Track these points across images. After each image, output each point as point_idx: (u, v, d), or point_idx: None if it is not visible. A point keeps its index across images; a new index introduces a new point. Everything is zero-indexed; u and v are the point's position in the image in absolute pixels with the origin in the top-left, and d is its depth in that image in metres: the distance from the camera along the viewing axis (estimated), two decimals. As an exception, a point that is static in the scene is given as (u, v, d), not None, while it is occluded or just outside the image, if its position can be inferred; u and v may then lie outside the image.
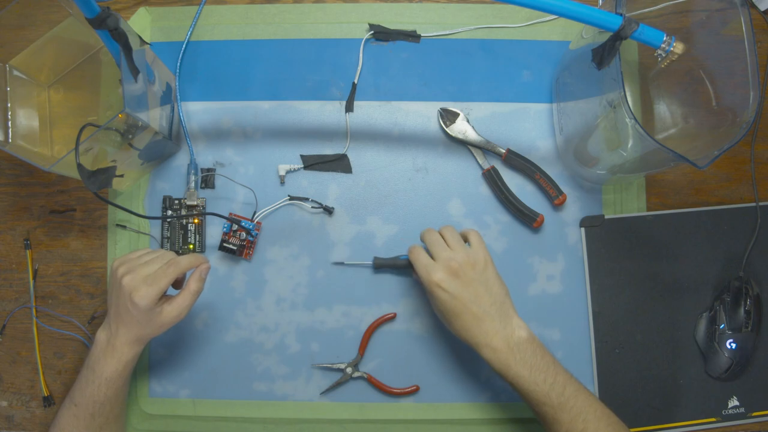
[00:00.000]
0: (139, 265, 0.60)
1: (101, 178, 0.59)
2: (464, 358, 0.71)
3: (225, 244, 0.70)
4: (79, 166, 0.54)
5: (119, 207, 0.61)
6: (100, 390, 0.60)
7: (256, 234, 0.71)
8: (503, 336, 0.60)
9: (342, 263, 0.72)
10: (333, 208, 0.72)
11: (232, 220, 0.70)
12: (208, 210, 0.72)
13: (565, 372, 0.60)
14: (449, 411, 0.70)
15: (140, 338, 0.61)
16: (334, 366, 0.70)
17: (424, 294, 0.71)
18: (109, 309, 0.62)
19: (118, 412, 0.63)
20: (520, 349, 0.60)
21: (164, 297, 0.61)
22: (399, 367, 0.71)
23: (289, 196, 0.72)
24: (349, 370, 0.70)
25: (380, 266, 0.71)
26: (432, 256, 0.63)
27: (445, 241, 0.63)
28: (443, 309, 0.61)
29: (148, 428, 0.70)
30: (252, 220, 0.70)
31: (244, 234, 0.70)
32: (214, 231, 0.72)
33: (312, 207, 0.72)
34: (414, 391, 0.70)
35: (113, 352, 0.60)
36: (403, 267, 0.70)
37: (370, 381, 0.70)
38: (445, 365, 0.71)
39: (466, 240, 0.65)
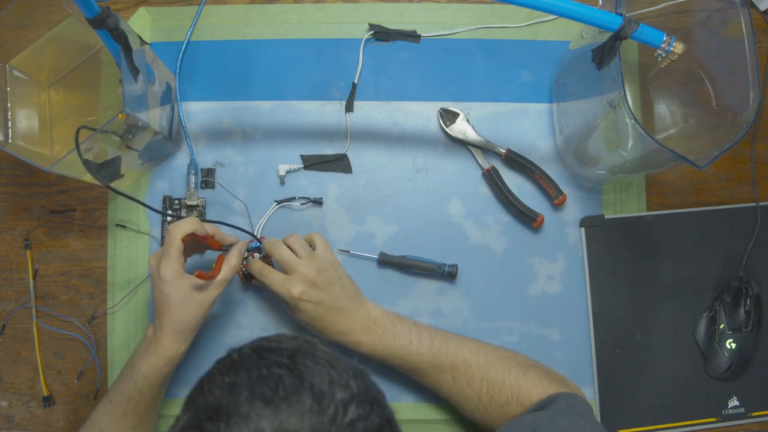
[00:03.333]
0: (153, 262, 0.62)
1: (109, 170, 0.59)
2: (464, 358, 0.71)
3: (247, 273, 0.69)
4: (86, 162, 0.54)
5: (133, 199, 0.59)
6: (137, 386, 0.59)
7: None
8: (362, 320, 0.64)
9: (348, 251, 0.72)
10: (321, 198, 0.72)
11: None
12: (208, 212, 0.72)
13: (429, 328, 0.64)
14: (449, 411, 0.70)
15: (182, 328, 0.60)
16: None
17: (424, 294, 0.71)
18: (155, 310, 0.62)
19: (153, 414, 0.62)
20: (379, 323, 0.64)
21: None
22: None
23: (275, 201, 0.72)
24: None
25: (385, 262, 0.71)
26: (285, 270, 0.63)
27: (293, 250, 0.64)
28: (309, 317, 0.63)
29: (148, 428, 0.70)
30: (256, 238, 0.69)
31: (257, 254, 0.70)
32: (214, 231, 0.72)
33: (301, 204, 0.72)
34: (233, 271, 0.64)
35: (156, 345, 0.60)
36: (409, 267, 0.70)
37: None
38: (445, 365, 0.71)
39: (311, 244, 0.66)
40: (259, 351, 0.38)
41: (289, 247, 0.65)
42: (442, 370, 0.62)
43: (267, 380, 0.34)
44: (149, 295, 0.72)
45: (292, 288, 0.62)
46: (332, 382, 0.35)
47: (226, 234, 0.65)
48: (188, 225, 0.61)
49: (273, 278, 0.63)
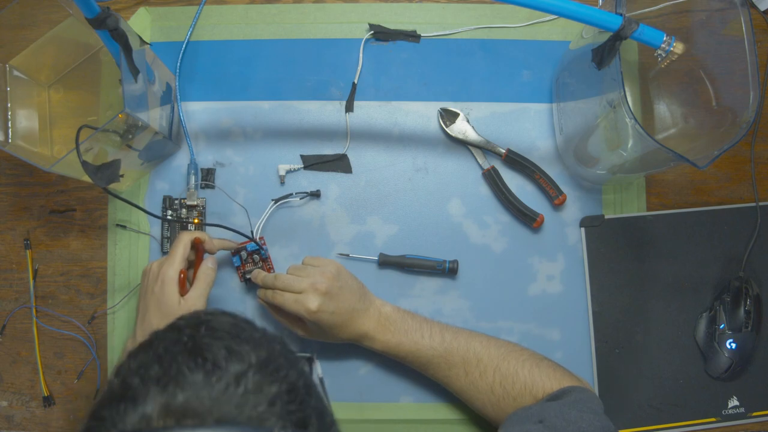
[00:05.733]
0: (159, 267, 0.63)
1: (108, 172, 0.59)
2: (464, 358, 0.71)
3: (248, 276, 0.69)
4: (84, 164, 0.54)
5: (129, 203, 0.60)
6: None
7: (266, 248, 0.71)
8: (374, 319, 0.64)
9: (347, 255, 0.72)
10: (319, 190, 0.72)
11: (237, 250, 0.70)
12: (208, 211, 0.72)
13: (439, 323, 0.65)
14: (449, 411, 0.70)
15: None
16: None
17: (424, 294, 0.71)
18: (136, 325, 0.62)
19: None
20: (390, 321, 0.64)
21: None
22: (399, 367, 0.71)
23: (272, 200, 0.72)
24: None
25: (385, 263, 0.71)
26: (293, 291, 0.63)
27: (294, 273, 0.64)
28: (327, 327, 0.63)
29: (148, 428, 0.70)
30: (254, 240, 0.69)
31: (256, 255, 0.70)
32: (215, 231, 0.72)
33: (300, 199, 0.72)
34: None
35: None
36: (410, 266, 0.70)
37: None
38: (445, 365, 0.71)
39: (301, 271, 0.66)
40: (166, 331, 0.37)
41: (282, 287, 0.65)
42: (454, 364, 0.63)
43: (162, 360, 0.33)
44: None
45: (309, 303, 0.61)
46: (229, 354, 0.34)
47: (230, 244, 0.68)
48: (199, 233, 0.65)
49: (285, 297, 0.63)
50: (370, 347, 0.65)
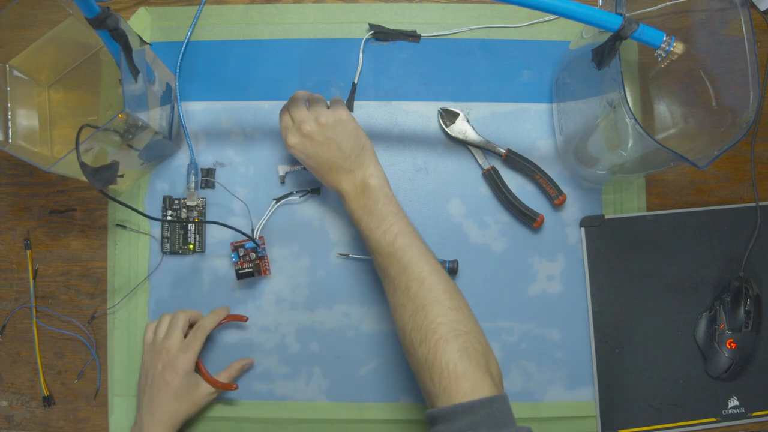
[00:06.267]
0: (164, 342, 0.66)
1: (105, 175, 0.59)
2: (464, 358, 0.71)
3: (241, 272, 0.69)
4: (82, 165, 0.54)
5: (126, 205, 0.59)
6: None
7: (264, 248, 0.71)
8: (352, 182, 0.64)
9: (347, 255, 0.72)
10: (319, 188, 0.72)
11: (236, 247, 0.70)
12: (208, 212, 0.72)
13: (406, 225, 0.61)
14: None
15: (174, 422, 0.64)
16: None
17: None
18: (140, 404, 0.65)
19: None
20: (365, 194, 0.62)
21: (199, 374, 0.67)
22: (398, 367, 0.71)
23: (274, 199, 0.72)
24: None
25: None
26: (292, 116, 0.65)
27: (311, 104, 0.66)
28: (305, 165, 0.66)
29: (148, 428, 0.70)
30: (253, 239, 0.69)
31: (254, 254, 0.70)
32: (215, 231, 0.72)
33: (300, 197, 0.72)
34: (232, 389, 0.68)
35: None
36: None
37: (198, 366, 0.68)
38: (445, 365, 0.71)
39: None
40: None
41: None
42: (387, 274, 0.59)
43: None
44: (149, 295, 0.72)
45: (289, 137, 0.64)
46: None
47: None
48: (192, 312, 0.69)
49: (282, 119, 0.66)
50: (342, 202, 0.65)
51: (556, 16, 0.74)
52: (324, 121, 0.63)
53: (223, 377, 0.68)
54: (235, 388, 0.68)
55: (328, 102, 0.66)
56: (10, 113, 0.64)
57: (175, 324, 0.67)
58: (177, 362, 0.64)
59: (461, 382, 0.51)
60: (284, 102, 0.73)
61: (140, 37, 0.60)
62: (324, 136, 0.63)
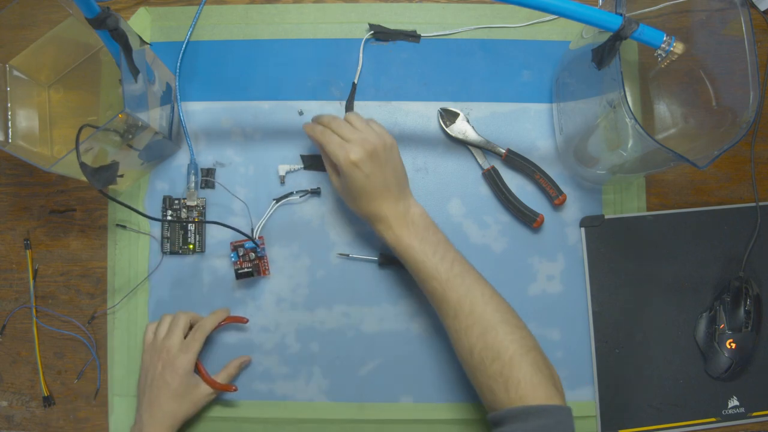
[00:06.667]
0: (164, 341, 0.66)
1: (105, 175, 0.59)
2: (464, 358, 0.71)
3: (240, 272, 0.69)
4: (82, 165, 0.54)
5: (125, 205, 0.59)
6: None
7: (264, 248, 0.71)
8: (400, 210, 0.63)
9: (347, 255, 0.72)
10: (319, 188, 0.72)
11: (236, 247, 0.70)
12: (208, 212, 0.72)
13: (457, 252, 0.63)
14: (449, 411, 0.70)
15: (174, 422, 0.64)
16: None
17: (424, 294, 0.71)
18: (139, 404, 0.65)
19: None
20: (414, 221, 0.63)
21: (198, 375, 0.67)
22: (398, 367, 0.71)
23: (274, 199, 0.72)
24: None
25: (385, 263, 0.71)
26: (343, 136, 0.63)
27: (351, 125, 0.64)
28: (355, 187, 0.62)
29: (148, 428, 0.70)
30: (253, 239, 0.68)
31: (253, 254, 0.70)
32: (215, 231, 0.72)
33: (300, 197, 0.72)
34: (231, 390, 0.68)
35: None
36: None
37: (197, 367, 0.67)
38: (444, 365, 0.71)
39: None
40: None
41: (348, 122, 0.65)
42: (447, 299, 0.60)
43: None
44: (149, 295, 0.72)
45: (351, 151, 0.61)
46: None
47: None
48: (192, 315, 0.69)
49: (333, 139, 0.62)
50: (381, 235, 0.64)
51: (556, 16, 0.74)
52: (390, 141, 0.63)
53: (221, 377, 0.68)
54: (234, 390, 0.68)
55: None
56: (10, 113, 0.64)
57: (175, 324, 0.67)
58: (177, 362, 0.64)
59: (537, 391, 0.55)
60: (284, 102, 0.74)
61: (140, 37, 0.60)
62: (384, 156, 0.62)
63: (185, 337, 0.67)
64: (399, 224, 0.63)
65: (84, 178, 0.55)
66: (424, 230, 0.63)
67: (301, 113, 0.73)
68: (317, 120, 0.67)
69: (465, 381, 0.70)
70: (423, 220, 0.64)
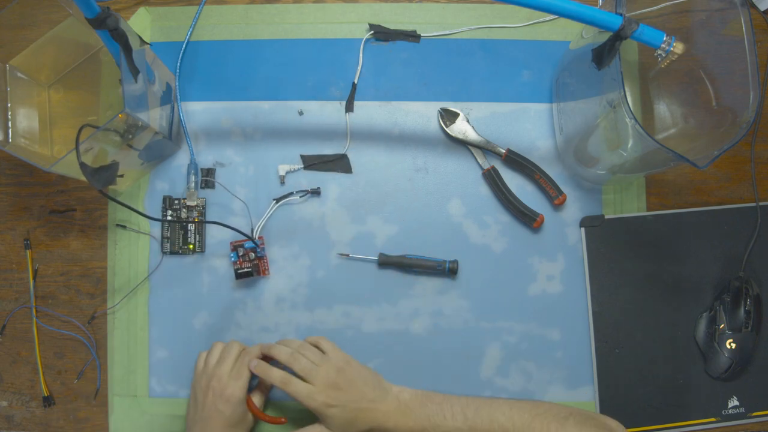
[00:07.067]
0: (216, 369, 0.65)
1: (105, 175, 0.59)
2: (463, 357, 0.71)
3: (240, 272, 0.69)
4: (82, 165, 0.54)
5: (125, 205, 0.59)
6: None
7: (263, 248, 0.71)
8: (394, 409, 0.63)
9: (347, 255, 0.72)
10: (319, 188, 0.72)
11: (236, 247, 0.70)
12: (208, 212, 0.72)
13: (459, 398, 0.64)
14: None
15: None
16: None
17: (424, 295, 0.71)
18: (198, 428, 0.64)
19: None
20: (410, 407, 0.63)
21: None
22: (398, 367, 0.71)
23: (274, 199, 0.72)
24: None
25: (385, 263, 0.71)
26: (305, 379, 0.63)
27: (306, 357, 0.65)
28: (340, 422, 0.62)
29: (148, 428, 0.70)
30: (252, 239, 0.68)
31: (253, 254, 0.70)
32: (215, 231, 0.72)
33: (300, 197, 0.72)
34: (280, 422, 0.67)
35: None
36: (410, 266, 0.70)
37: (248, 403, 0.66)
38: (443, 365, 0.71)
39: (318, 348, 0.67)
40: None
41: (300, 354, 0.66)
42: None
43: None
44: (149, 295, 0.72)
45: (317, 396, 0.62)
46: None
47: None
48: (237, 345, 0.68)
49: (297, 389, 0.63)
50: None
51: (556, 16, 0.74)
52: (339, 365, 0.64)
53: (256, 400, 0.67)
54: (284, 422, 0.67)
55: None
56: (10, 113, 0.64)
57: (227, 352, 0.66)
58: (228, 390, 0.63)
59: None
60: (284, 102, 0.74)
61: (140, 37, 0.60)
62: (347, 379, 0.64)
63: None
64: (400, 421, 0.63)
65: (84, 178, 0.55)
66: (422, 407, 0.63)
67: (301, 113, 0.73)
68: (271, 351, 0.66)
69: (464, 380, 0.70)
70: (415, 399, 0.64)
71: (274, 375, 0.64)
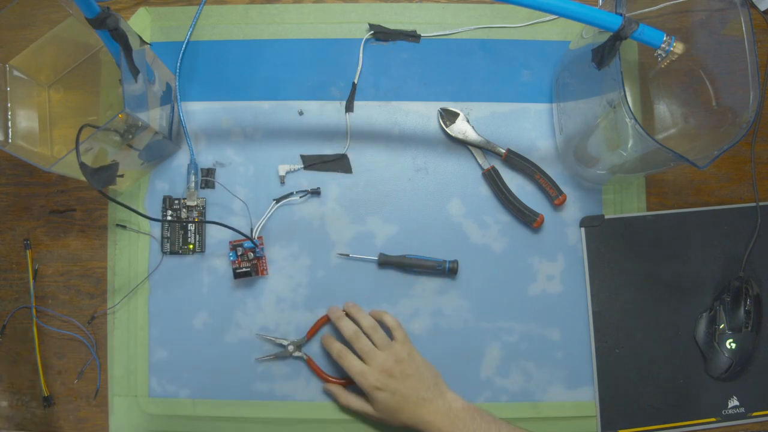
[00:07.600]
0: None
1: (105, 175, 0.59)
2: (463, 357, 0.71)
3: (239, 271, 0.69)
4: (82, 165, 0.54)
5: (125, 206, 0.59)
6: None
7: (262, 248, 0.71)
8: (443, 413, 0.64)
9: (347, 255, 0.72)
10: (319, 188, 0.72)
11: (234, 246, 0.70)
12: (208, 212, 0.72)
13: (507, 425, 0.64)
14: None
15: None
16: (277, 341, 0.70)
17: (424, 294, 0.71)
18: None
19: None
20: (460, 418, 0.63)
21: None
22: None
23: (274, 200, 0.72)
24: (290, 347, 0.70)
25: (385, 263, 0.71)
26: (362, 358, 0.66)
27: (371, 340, 0.66)
28: (386, 407, 0.64)
29: (148, 428, 0.70)
30: (252, 239, 0.68)
31: (252, 254, 0.70)
32: (215, 231, 0.72)
33: (300, 197, 0.72)
34: (345, 384, 0.69)
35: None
36: (410, 266, 0.70)
37: (309, 364, 0.70)
38: (443, 365, 0.71)
39: (387, 329, 0.68)
40: None
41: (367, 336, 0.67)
42: None
43: None
44: (149, 295, 0.72)
45: (370, 376, 0.64)
46: None
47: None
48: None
49: (352, 364, 0.65)
50: None
51: (556, 16, 0.74)
52: (401, 355, 0.65)
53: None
54: (345, 384, 0.69)
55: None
56: (10, 113, 0.64)
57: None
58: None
59: None
60: (284, 102, 0.74)
61: (140, 37, 0.60)
62: (405, 370, 0.64)
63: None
64: (446, 424, 0.63)
65: (84, 178, 0.55)
66: (471, 421, 0.63)
67: (301, 113, 0.73)
68: (338, 323, 0.68)
69: (464, 380, 0.70)
70: (466, 412, 0.64)
71: (334, 347, 0.67)
